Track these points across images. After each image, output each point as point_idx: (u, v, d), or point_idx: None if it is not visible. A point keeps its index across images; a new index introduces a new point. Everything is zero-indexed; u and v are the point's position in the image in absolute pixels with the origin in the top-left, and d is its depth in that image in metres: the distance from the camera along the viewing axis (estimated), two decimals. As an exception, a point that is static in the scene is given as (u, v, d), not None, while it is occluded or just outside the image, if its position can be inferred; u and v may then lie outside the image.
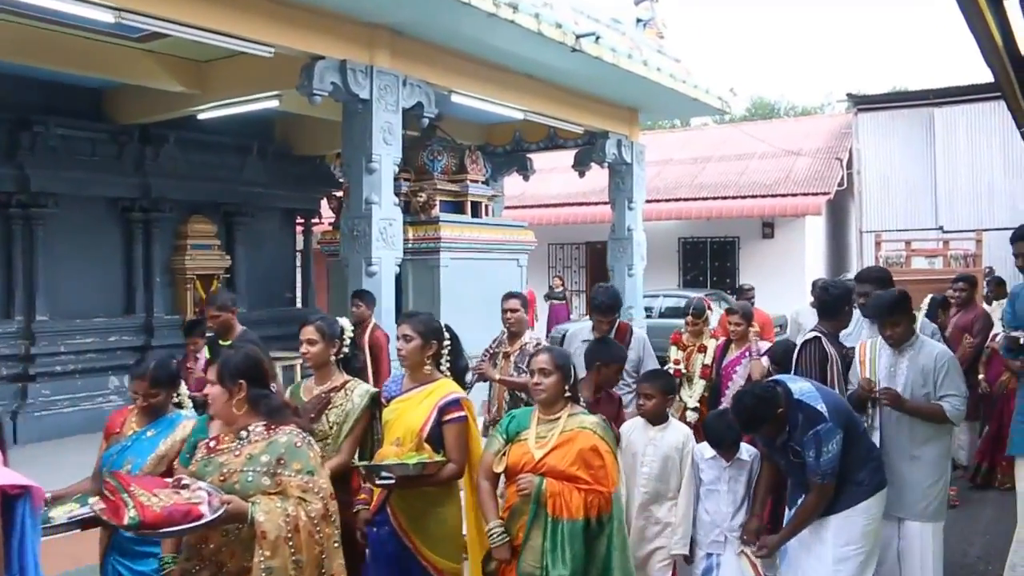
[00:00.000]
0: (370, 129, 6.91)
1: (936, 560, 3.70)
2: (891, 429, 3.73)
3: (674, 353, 5.85)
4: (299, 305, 12.06)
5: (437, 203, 9.12)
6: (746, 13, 59.03)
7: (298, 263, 12.71)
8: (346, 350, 3.44)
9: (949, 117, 17.67)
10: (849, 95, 20.27)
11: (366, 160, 6.93)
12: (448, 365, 3.30)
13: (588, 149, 11.06)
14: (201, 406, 3.30)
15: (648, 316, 12.47)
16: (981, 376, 6.31)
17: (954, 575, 4.51)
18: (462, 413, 3.13)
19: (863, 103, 19.02)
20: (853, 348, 4.04)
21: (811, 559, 3.39)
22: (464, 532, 3.29)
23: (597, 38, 8.00)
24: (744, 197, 17.88)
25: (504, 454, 2.99)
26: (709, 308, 6.11)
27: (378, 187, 7.00)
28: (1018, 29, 4.80)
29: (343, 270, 7.35)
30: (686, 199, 18.50)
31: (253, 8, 6.08)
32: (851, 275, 9.05)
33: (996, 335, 5.89)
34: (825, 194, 17.18)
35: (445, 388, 3.19)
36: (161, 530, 2.22)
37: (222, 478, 2.40)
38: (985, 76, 7.07)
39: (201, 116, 8.79)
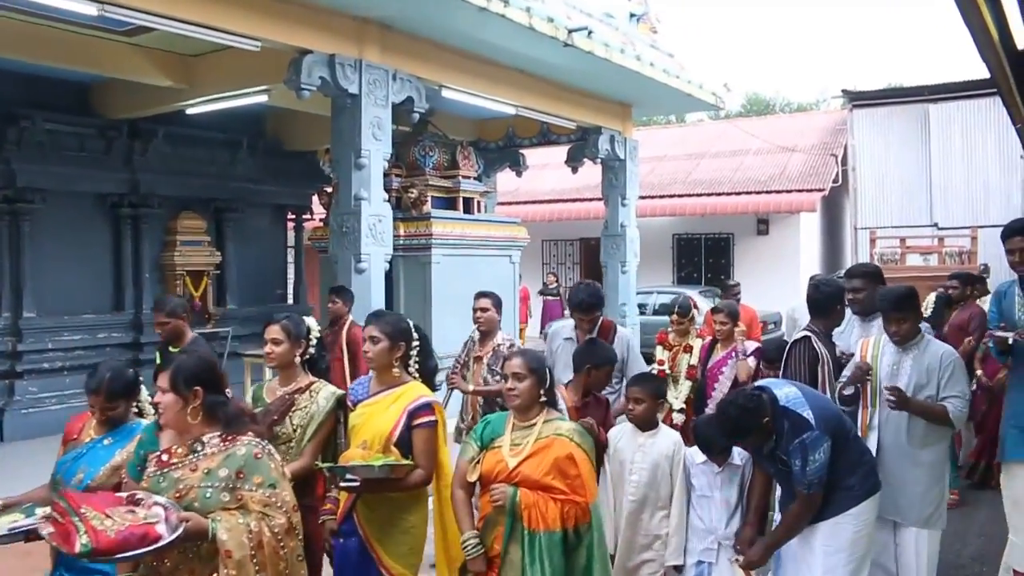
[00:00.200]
0: (359, 124, 6.83)
1: (931, 565, 3.61)
2: (890, 430, 3.62)
3: (659, 353, 5.72)
4: (291, 302, 12.00)
5: (429, 199, 9.05)
6: (741, 9, 59.05)
7: (290, 259, 12.64)
8: (312, 351, 3.36)
9: (944, 113, 17.66)
10: (844, 91, 20.25)
11: (355, 155, 6.85)
12: (417, 367, 3.19)
13: (581, 145, 10.97)
14: None
15: (642, 313, 12.44)
16: (979, 372, 6.26)
17: (947, 577, 4.45)
18: (432, 418, 3.01)
19: (858, 99, 19.01)
20: (844, 349, 3.96)
21: (802, 567, 3.28)
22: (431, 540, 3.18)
23: (589, 33, 7.92)
24: (739, 193, 17.81)
25: (478, 462, 2.89)
26: (695, 307, 6.01)
27: (367, 183, 6.92)
28: (1014, 24, 4.74)
29: (333, 266, 7.29)
30: (680, 195, 18.43)
31: (239, 1, 5.99)
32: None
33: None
34: (820, 191, 17.12)
35: (415, 391, 3.07)
36: (116, 556, 2.06)
37: (178, 495, 2.26)
38: (981, 72, 7.03)
39: (190, 111, 8.70)
